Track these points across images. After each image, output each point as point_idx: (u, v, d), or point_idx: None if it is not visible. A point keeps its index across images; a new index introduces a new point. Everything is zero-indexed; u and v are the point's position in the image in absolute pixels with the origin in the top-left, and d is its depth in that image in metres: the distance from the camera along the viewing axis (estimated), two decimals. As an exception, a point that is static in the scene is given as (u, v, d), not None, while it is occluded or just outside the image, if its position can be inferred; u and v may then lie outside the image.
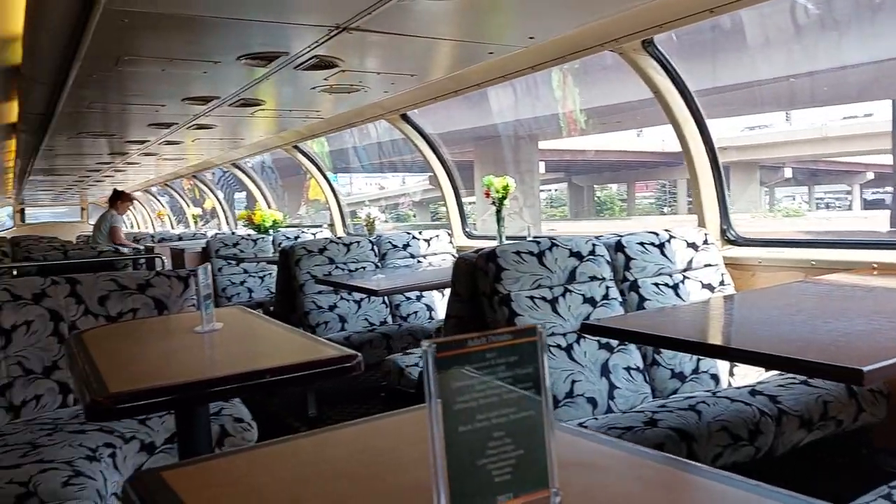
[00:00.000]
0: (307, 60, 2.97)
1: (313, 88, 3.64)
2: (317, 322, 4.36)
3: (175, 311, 3.00)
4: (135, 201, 10.23)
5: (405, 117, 4.95)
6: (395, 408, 3.23)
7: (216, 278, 6.28)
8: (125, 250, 6.49)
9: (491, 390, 0.75)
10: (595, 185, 25.01)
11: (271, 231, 7.23)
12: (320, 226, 8.01)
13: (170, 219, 15.29)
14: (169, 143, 5.82)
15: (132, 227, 17.89)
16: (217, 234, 8.14)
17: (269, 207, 9.02)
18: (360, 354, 1.65)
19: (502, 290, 2.52)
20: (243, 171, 9.26)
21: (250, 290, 6.52)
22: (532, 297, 2.56)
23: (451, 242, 5.11)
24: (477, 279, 2.60)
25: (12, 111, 4.37)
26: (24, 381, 2.66)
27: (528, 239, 3.95)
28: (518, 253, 2.61)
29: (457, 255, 5.17)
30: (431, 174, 5.41)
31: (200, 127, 4.91)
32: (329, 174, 7.48)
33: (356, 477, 0.88)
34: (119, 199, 7.87)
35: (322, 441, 1.01)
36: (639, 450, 0.94)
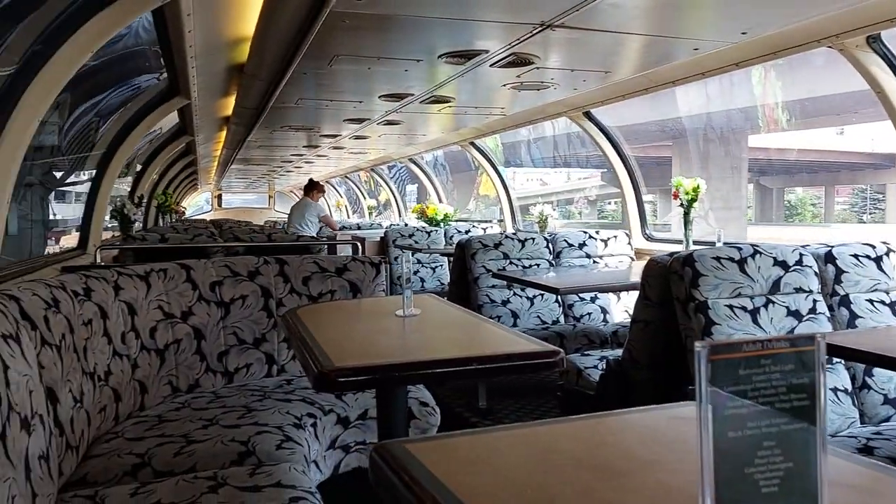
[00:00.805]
0: (504, 58, 3.02)
1: (503, 85, 3.70)
2: (489, 316, 4.42)
3: (367, 294, 3.18)
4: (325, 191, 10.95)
5: (588, 115, 4.89)
6: (573, 408, 3.20)
7: (392, 267, 6.57)
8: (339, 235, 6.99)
9: (764, 398, 0.72)
10: (785, 188, 22.75)
11: (442, 224, 7.47)
12: (490, 221, 8.14)
13: (346, 209, 16.20)
14: (357, 137, 6.17)
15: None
16: (393, 224, 8.51)
17: (441, 202, 9.30)
18: (562, 351, 1.66)
19: (699, 296, 2.41)
20: (418, 166, 9.61)
21: (423, 280, 6.76)
22: (731, 306, 2.44)
23: (629, 244, 4.98)
24: (671, 283, 2.52)
25: (229, 105, 4.82)
26: (238, 349, 2.94)
27: (718, 244, 3.77)
28: (717, 258, 2.49)
29: (634, 258, 5.05)
30: (605, 170, 5.31)
31: (389, 123, 5.15)
32: (501, 169, 7.57)
33: (600, 470, 0.88)
34: (314, 189, 8.50)
35: (554, 432, 1.02)
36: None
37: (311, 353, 1.67)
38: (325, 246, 5.76)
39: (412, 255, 6.77)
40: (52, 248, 5.30)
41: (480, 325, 2.02)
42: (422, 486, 0.84)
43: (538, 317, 4.56)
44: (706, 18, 2.66)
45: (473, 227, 7.46)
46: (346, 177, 13.69)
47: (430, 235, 7.04)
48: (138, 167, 6.59)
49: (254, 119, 4.90)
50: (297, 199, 9.47)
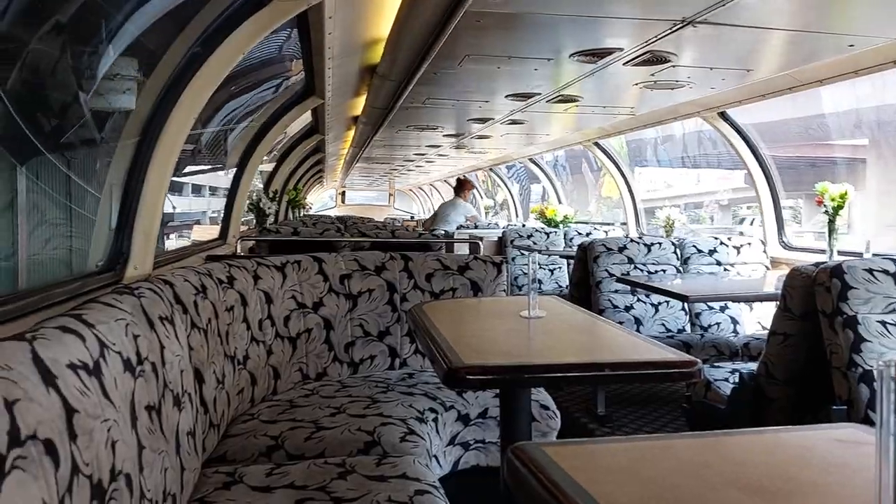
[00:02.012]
0: (639, 56, 2.93)
1: (635, 84, 3.59)
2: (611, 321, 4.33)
3: (488, 294, 3.19)
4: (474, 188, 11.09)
5: (724, 115, 4.67)
6: (702, 422, 3.05)
7: (510, 267, 6.56)
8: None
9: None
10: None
11: (562, 226, 7.37)
12: (612, 224, 7.95)
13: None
14: (480, 137, 6.19)
15: (429, 213, 19.52)
16: (510, 224, 8.48)
17: (561, 203, 9.19)
18: (699, 362, 1.59)
19: (848, 310, 2.24)
20: (538, 166, 9.54)
21: (540, 282, 6.71)
22: (884, 322, 2.24)
23: (764, 252, 4.71)
24: (815, 295, 2.35)
25: (358, 105, 4.98)
26: (363, 341, 3.03)
27: (866, 255, 3.49)
28: (870, 270, 2.30)
29: (769, 267, 4.77)
30: (747, 171, 5.04)
31: (513, 122, 5.14)
32: (626, 170, 7.37)
33: (755, 491, 0.83)
34: (464, 188, 8.69)
35: (701, 446, 0.98)
36: None
37: (439, 350, 1.69)
38: (444, 244, 5.84)
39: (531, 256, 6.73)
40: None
41: (609, 329, 1.97)
42: (564, 493, 0.82)
43: (663, 324, 4.41)
44: (864, 12, 2.46)
45: (595, 229, 7.31)
46: (465, 176, 13.80)
47: (548, 237, 6.97)
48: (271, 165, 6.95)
49: (381, 119, 5.03)
50: (447, 198, 9.65)
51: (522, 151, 8.38)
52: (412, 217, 16.30)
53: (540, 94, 3.94)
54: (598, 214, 10.74)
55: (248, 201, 5.05)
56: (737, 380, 2.83)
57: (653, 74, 3.29)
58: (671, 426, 3.88)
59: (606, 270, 4.48)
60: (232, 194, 4.25)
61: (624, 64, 3.08)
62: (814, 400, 2.48)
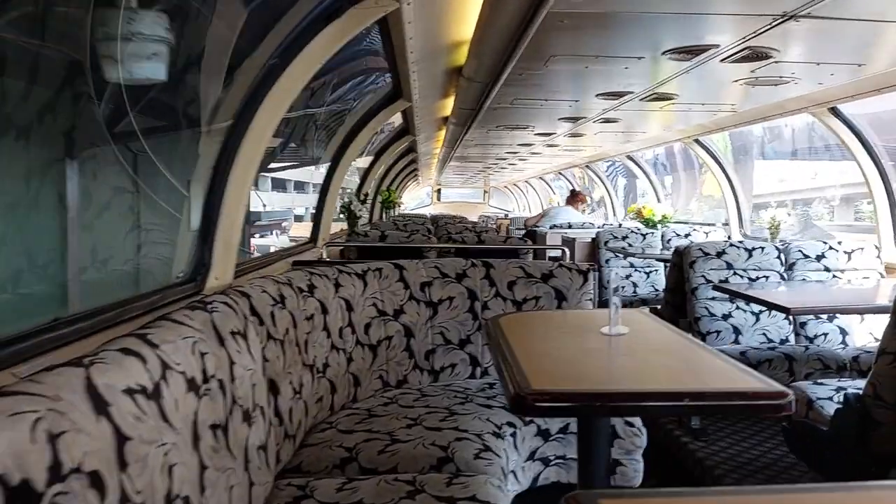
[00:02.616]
0: (737, 52, 2.74)
1: (735, 81, 3.38)
2: (707, 330, 4.10)
3: (573, 303, 3.09)
4: (587, 201, 11.13)
5: (835, 111, 4.33)
6: (802, 444, 2.82)
7: (601, 270, 6.36)
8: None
9: None
10: None
11: (660, 226, 7.08)
12: (713, 224, 7.58)
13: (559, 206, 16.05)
14: (572, 135, 6.04)
15: (524, 211, 19.34)
16: (605, 224, 8.23)
17: (659, 201, 8.85)
18: (791, 393, 1.45)
19: (972, 333, 2.00)
20: (636, 164, 9.22)
21: (635, 285, 6.47)
22: None
23: (878, 257, 4.33)
24: (933, 314, 2.12)
25: (447, 106, 4.96)
26: (444, 349, 3.00)
27: None
28: None
29: (884, 274, 4.39)
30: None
31: (606, 121, 4.97)
32: (728, 167, 6.99)
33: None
34: (577, 199, 8.75)
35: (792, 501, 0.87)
36: None
37: (509, 371, 1.63)
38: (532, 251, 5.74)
39: (625, 259, 6.49)
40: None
41: (696, 351, 1.84)
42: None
43: (764, 334, 4.14)
44: None
45: (694, 230, 6.98)
46: (560, 173, 13.56)
47: (644, 238, 6.71)
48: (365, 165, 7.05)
49: (470, 119, 4.99)
50: (559, 205, 9.65)
51: (619, 149, 8.13)
52: (506, 215, 16.16)
53: (633, 92, 3.78)
54: (699, 214, 10.27)
55: (339, 203, 5.14)
56: (841, 399, 2.60)
57: (753, 71, 3.08)
58: (771, 442, 3.63)
59: (703, 276, 4.25)
60: (322, 197, 4.33)
61: (721, 61, 2.89)
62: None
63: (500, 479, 2.04)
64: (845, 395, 2.54)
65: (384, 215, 8.71)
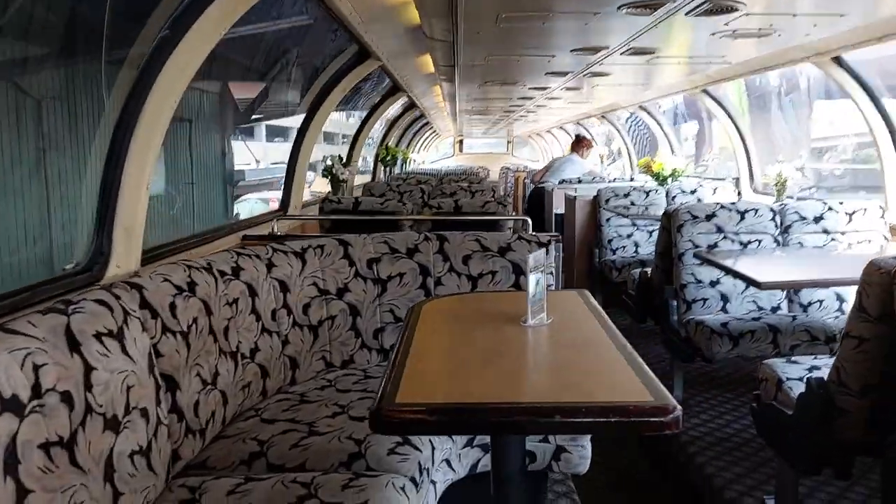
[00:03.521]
0: (699, 6, 2.50)
1: (713, 34, 3.11)
2: (693, 298, 3.90)
3: (533, 276, 2.93)
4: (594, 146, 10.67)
5: (839, 61, 4.01)
6: (768, 427, 2.64)
7: (602, 229, 6.15)
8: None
9: None
10: None
11: (669, 180, 6.78)
12: (723, 179, 7.25)
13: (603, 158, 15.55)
14: (569, 89, 5.78)
15: (543, 163, 18.92)
16: (610, 183, 7.86)
17: (674, 154, 8.52)
18: (678, 408, 1.29)
19: (929, 321, 1.81)
20: (650, 114, 8.85)
21: (636, 245, 6.23)
22: (979, 339, 1.80)
23: (882, 218, 4.05)
24: (894, 295, 1.93)
25: (429, 63, 4.74)
26: (394, 327, 2.88)
27: None
28: (963, 273, 1.84)
29: (889, 237, 4.11)
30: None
31: (596, 74, 4.71)
32: (738, 119, 6.64)
33: None
34: (581, 145, 8.40)
35: None
36: None
37: (387, 376, 1.50)
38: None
39: (626, 219, 6.23)
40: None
41: (610, 351, 1.67)
42: None
43: (754, 302, 3.93)
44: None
45: (700, 185, 6.67)
46: (579, 123, 13.17)
47: (648, 195, 6.42)
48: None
49: (453, 76, 4.78)
50: (564, 154, 9.28)
51: (632, 99, 7.76)
52: (525, 168, 15.80)
53: (608, 46, 3.53)
54: (712, 169, 9.87)
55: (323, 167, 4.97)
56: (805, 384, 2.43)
57: (727, 24, 2.82)
58: (747, 420, 3.48)
59: (691, 241, 4.03)
60: (292, 161, 4.18)
61: (686, 14, 2.64)
62: (893, 415, 2.09)
63: (412, 478, 1.93)
64: (808, 380, 2.37)
65: (384, 174, 8.52)
